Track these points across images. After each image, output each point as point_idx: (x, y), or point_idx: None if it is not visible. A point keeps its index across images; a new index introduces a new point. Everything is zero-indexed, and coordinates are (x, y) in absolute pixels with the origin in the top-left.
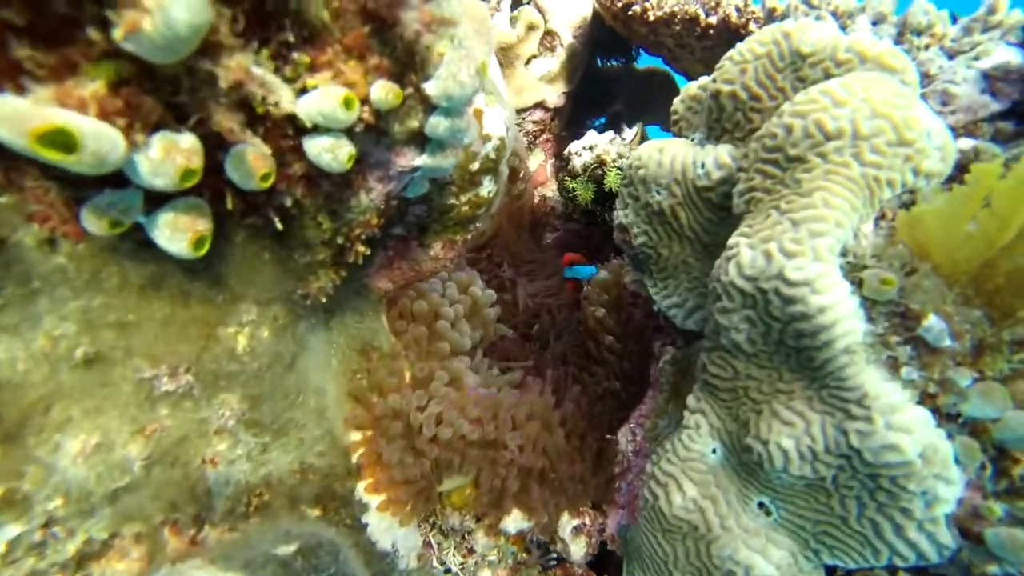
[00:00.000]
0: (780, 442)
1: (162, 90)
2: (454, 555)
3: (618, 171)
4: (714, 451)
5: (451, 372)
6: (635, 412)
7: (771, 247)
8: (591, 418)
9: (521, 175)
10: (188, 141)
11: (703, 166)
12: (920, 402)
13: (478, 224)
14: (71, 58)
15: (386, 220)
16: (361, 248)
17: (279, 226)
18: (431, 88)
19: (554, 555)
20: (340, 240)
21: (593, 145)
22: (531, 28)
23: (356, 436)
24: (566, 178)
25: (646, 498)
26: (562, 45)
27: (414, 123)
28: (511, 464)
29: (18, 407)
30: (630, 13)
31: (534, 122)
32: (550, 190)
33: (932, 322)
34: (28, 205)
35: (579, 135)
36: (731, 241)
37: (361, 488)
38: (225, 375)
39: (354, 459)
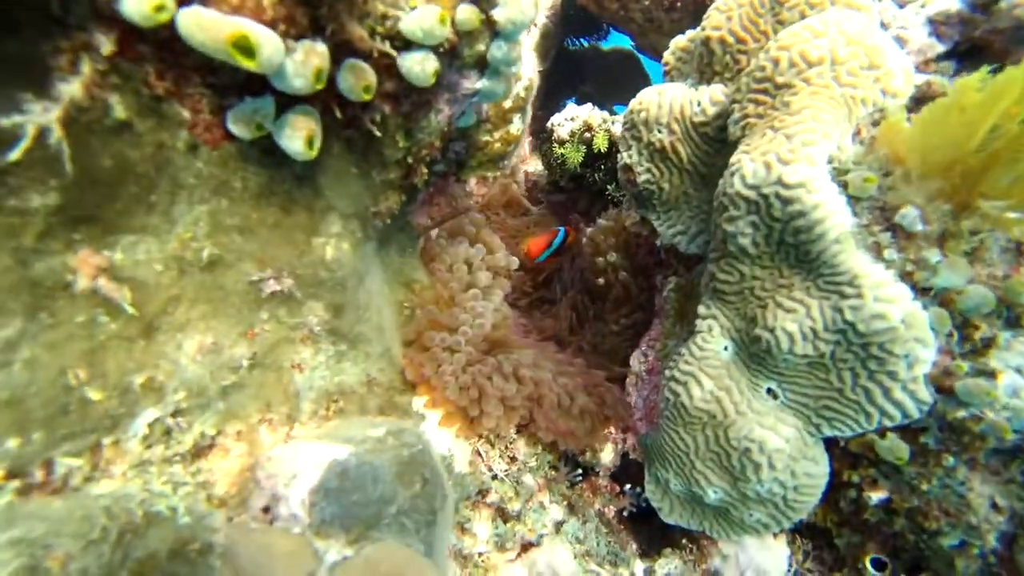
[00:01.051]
0: (785, 326)
1: (310, 3)
2: (499, 462)
3: (605, 133)
4: (726, 348)
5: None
6: (644, 338)
7: (769, 158)
8: (609, 353)
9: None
10: (321, 47)
11: (699, 104)
12: (900, 279)
13: (506, 161)
14: None
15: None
16: (424, 170)
17: (377, 132)
18: (499, 14)
19: (579, 472)
20: (410, 159)
21: (575, 116)
22: None
23: (407, 361)
24: (554, 146)
25: (667, 398)
26: (535, 25)
27: (481, 47)
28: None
29: (153, 305)
30: None
31: None
32: (531, 166)
33: (907, 210)
34: (183, 111)
35: (555, 112)
36: (733, 159)
37: (417, 401)
38: (316, 282)
39: (409, 377)
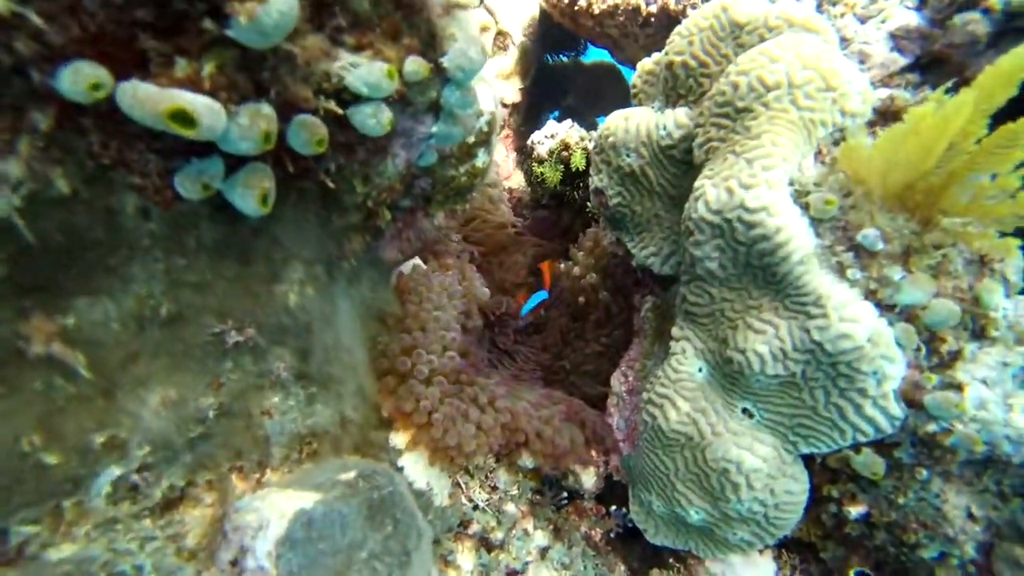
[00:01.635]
0: (755, 348)
1: (252, 68)
2: (480, 492)
3: (582, 151)
4: (700, 370)
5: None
6: (624, 358)
7: (731, 183)
8: (592, 373)
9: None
10: (267, 109)
11: (664, 128)
12: (864, 297)
13: (474, 194)
14: (185, 46)
15: (402, 190)
16: (386, 213)
17: (331, 184)
18: (448, 62)
19: (565, 495)
20: (369, 203)
21: (554, 133)
22: (483, 30)
23: (383, 393)
24: (533, 164)
25: (645, 421)
26: (514, 44)
27: (432, 94)
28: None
29: (111, 364)
30: (576, 8)
31: None
32: (515, 183)
33: (868, 231)
34: (131, 177)
35: (538, 128)
36: (696, 184)
37: (393, 437)
38: (280, 329)
39: (384, 412)
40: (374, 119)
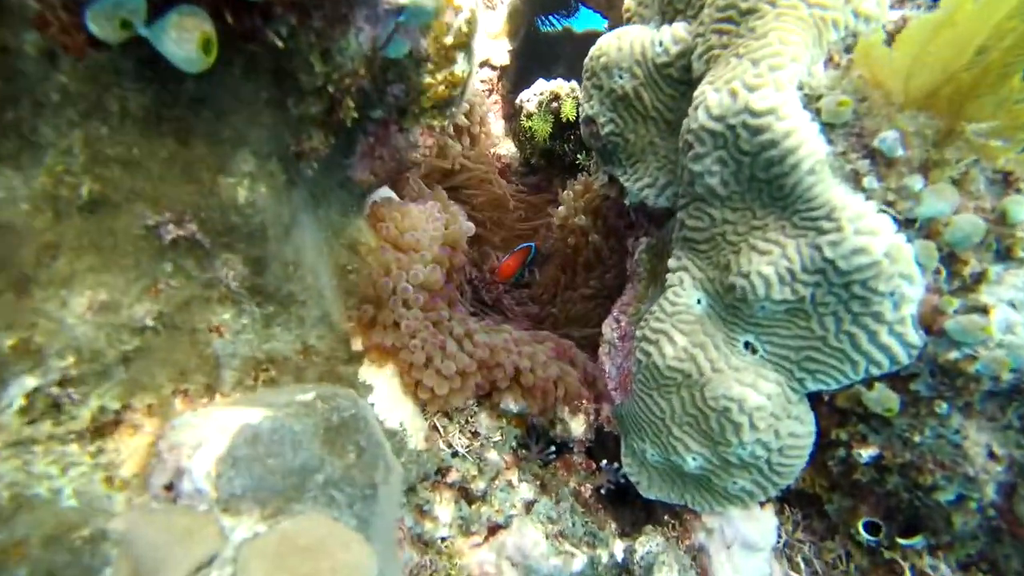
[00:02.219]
0: (760, 270)
1: None
2: (459, 437)
3: (573, 100)
4: (699, 301)
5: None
6: (616, 303)
7: (735, 85)
8: (581, 319)
9: (480, 124)
10: None
11: (660, 43)
12: (882, 209)
13: (454, 108)
14: None
15: (371, 82)
16: (350, 103)
17: (280, 43)
18: None
19: (552, 449)
20: (331, 89)
21: (544, 90)
22: None
23: (351, 323)
24: (522, 119)
25: (639, 360)
26: (503, 2)
27: None
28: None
29: (23, 254)
30: None
31: (482, 81)
32: (503, 149)
33: (886, 134)
34: (30, 5)
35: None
36: (696, 92)
37: (363, 372)
38: (229, 228)
39: (354, 347)
40: None
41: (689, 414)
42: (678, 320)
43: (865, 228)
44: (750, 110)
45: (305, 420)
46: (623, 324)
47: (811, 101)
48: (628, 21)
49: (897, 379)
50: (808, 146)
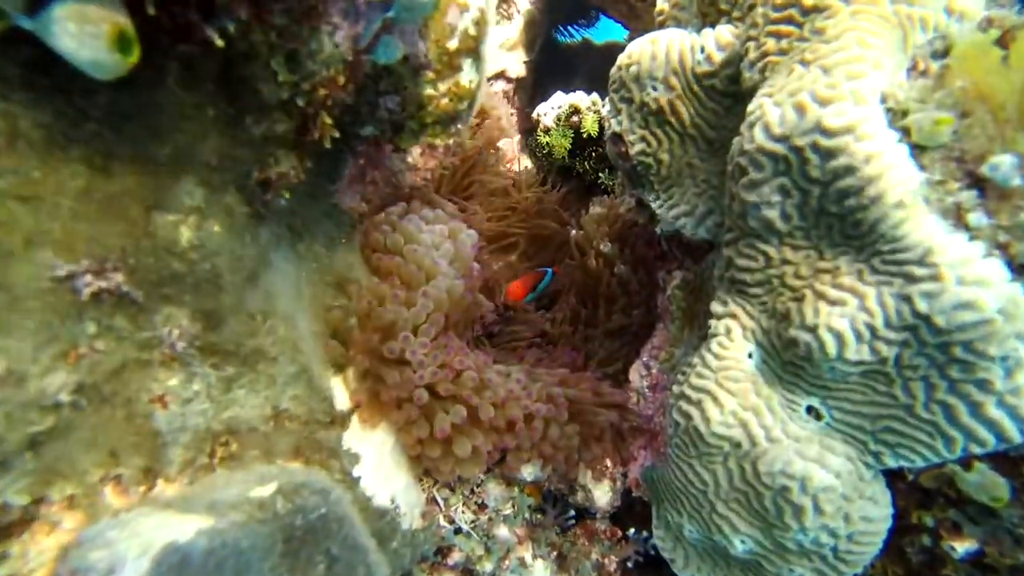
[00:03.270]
0: (831, 324)
1: None
2: (463, 511)
3: (595, 115)
4: (750, 355)
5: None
6: (645, 347)
7: (802, 98)
8: (604, 362)
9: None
10: None
11: (702, 50)
12: (992, 253)
13: (460, 125)
14: None
15: (355, 94)
16: (327, 121)
17: (219, 42)
18: None
19: (572, 514)
20: (301, 102)
21: (562, 103)
22: None
23: (337, 379)
24: (539, 134)
25: (676, 422)
26: (519, 12)
27: None
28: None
29: None
30: None
31: (494, 94)
32: (519, 165)
33: (1000, 158)
34: None
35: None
36: (751, 106)
37: (349, 438)
38: (168, 277)
39: (338, 405)
40: None
41: (738, 489)
42: (725, 377)
43: (971, 277)
44: (822, 128)
45: (258, 531)
46: (654, 372)
47: (896, 118)
48: (661, 26)
49: (1005, 459)
50: (896, 174)
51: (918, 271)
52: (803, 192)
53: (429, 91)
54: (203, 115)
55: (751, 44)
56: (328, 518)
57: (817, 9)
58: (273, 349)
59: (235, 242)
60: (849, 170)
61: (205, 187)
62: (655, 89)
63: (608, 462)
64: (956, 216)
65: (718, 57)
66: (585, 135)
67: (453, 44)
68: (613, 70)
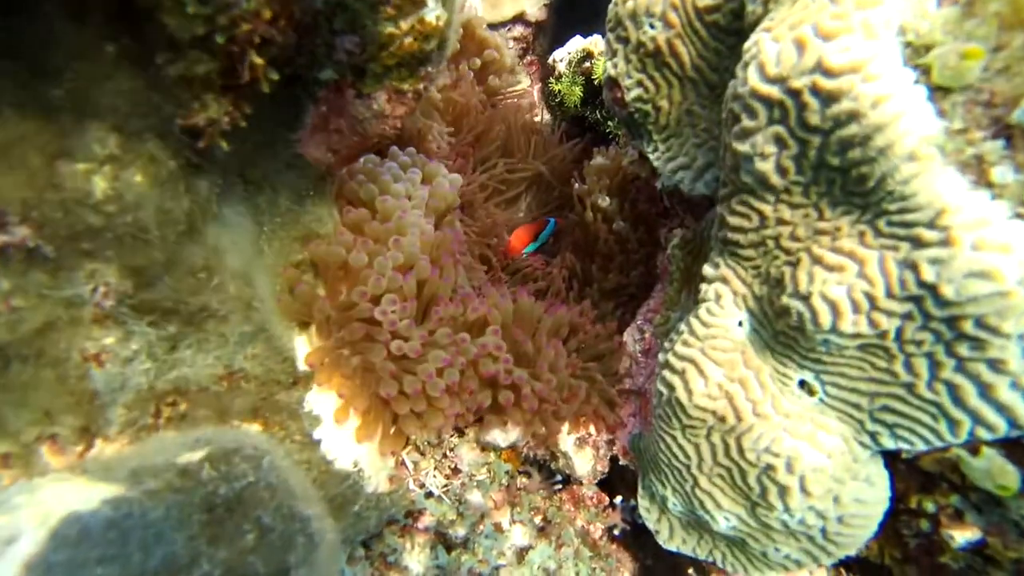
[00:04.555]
0: (826, 292)
1: None
2: (435, 475)
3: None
4: (740, 323)
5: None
6: (642, 308)
7: (803, 32)
8: (599, 318)
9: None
10: None
11: None
12: (1018, 215)
13: (430, 67)
14: None
15: (301, 33)
16: (258, 60)
17: None
18: None
19: (559, 478)
20: (221, 39)
21: (580, 48)
22: None
23: (301, 337)
24: (551, 82)
25: (660, 391)
26: None
27: None
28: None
29: None
30: None
31: (515, 39)
32: (538, 116)
33: None
34: None
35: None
36: (748, 43)
37: (311, 398)
38: (84, 232)
39: (301, 364)
40: None
41: (721, 465)
42: (712, 346)
43: (988, 241)
44: (824, 68)
45: (173, 500)
46: (647, 336)
47: (917, 54)
48: None
49: (1016, 446)
50: (908, 121)
51: (927, 234)
52: (801, 142)
53: (390, 29)
54: (102, 52)
55: None
56: (258, 486)
57: None
58: (223, 307)
59: (164, 194)
60: (853, 116)
61: (119, 133)
62: (652, 27)
63: (592, 428)
64: (978, 171)
65: None
66: (597, 82)
67: None
68: (610, 6)
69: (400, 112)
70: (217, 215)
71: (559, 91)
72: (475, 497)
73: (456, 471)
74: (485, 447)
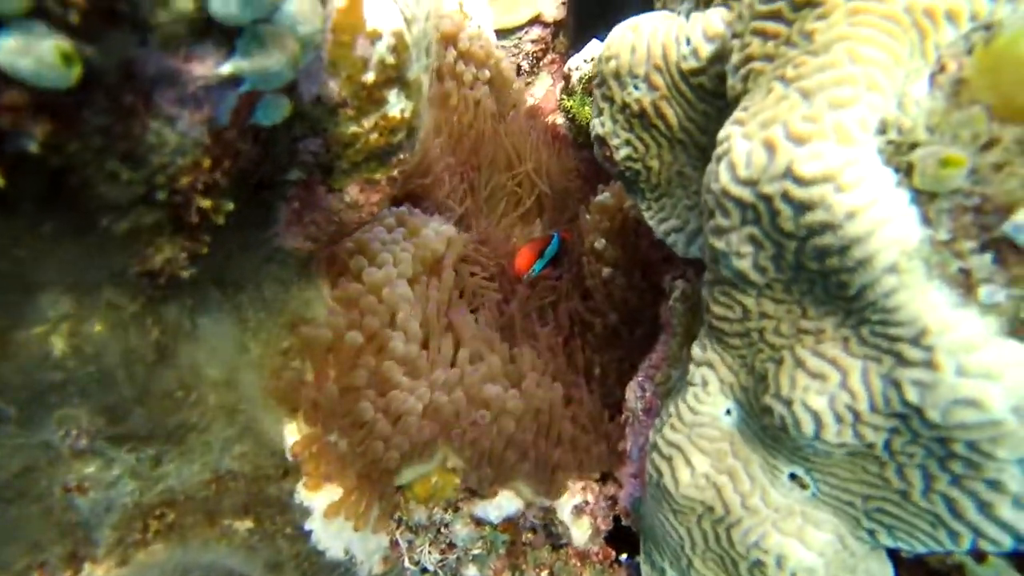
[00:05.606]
0: (808, 401)
1: None
2: (430, 552)
3: None
4: (728, 412)
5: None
6: (644, 362)
7: (773, 133)
8: (596, 367)
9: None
10: None
11: (688, 42)
12: (1010, 334)
13: (401, 155)
14: None
15: (261, 160)
16: (205, 203)
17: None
18: None
19: (563, 540)
20: (163, 196)
21: (594, 57)
22: None
23: (291, 426)
24: (562, 97)
25: (650, 473)
26: None
27: (184, 4)
28: (487, 434)
29: None
30: None
31: (533, 41)
32: (560, 116)
33: None
34: None
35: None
36: (721, 134)
37: (301, 488)
38: (47, 389)
39: (289, 455)
40: (29, 60)
41: (713, 551)
42: (698, 434)
43: (975, 367)
44: (795, 176)
45: None
46: (648, 395)
47: (899, 151)
48: (661, 6)
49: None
50: (888, 232)
51: (910, 353)
52: (777, 244)
53: (353, 128)
54: (36, 233)
55: (736, 42)
56: None
57: (810, 4)
58: (203, 419)
59: (127, 335)
60: (827, 226)
61: (71, 293)
62: (637, 88)
63: (589, 496)
64: (965, 286)
65: (706, 51)
66: None
67: (369, 77)
68: (595, 62)
69: (375, 199)
70: (192, 330)
71: (570, 108)
72: (471, 572)
73: (452, 546)
74: (479, 522)
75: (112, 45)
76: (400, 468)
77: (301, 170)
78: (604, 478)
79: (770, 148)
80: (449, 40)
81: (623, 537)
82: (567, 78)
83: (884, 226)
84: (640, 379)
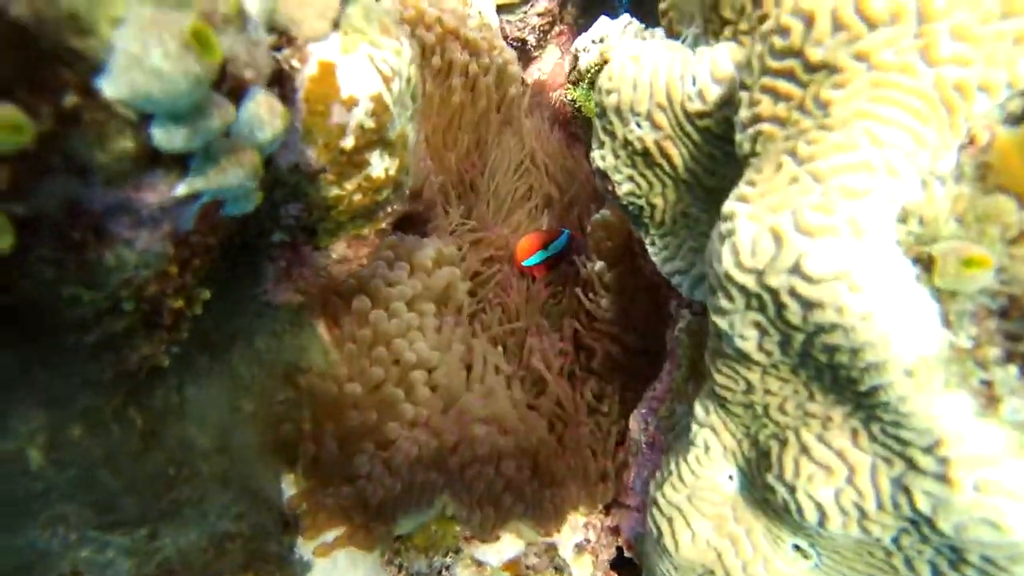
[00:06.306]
0: (812, 492)
1: None
2: None
3: None
4: (731, 477)
5: (405, 380)
6: (648, 392)
7: (781, 222)
8: (600, 396)
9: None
10: None
11: (694, 81)
12: None
13: (390, 208)
14: None
15: (242, 230)
16: (178, 304)
17: None
18: (110, 90)
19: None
20: (129, 307)
21: (603, 37)
22: None
23: (289, 477)
24: (569, 85)
25: (650, 529)
26: None
27: (124, 143)
28: (481, 477)
29: None
30: None
31: (539, 14)
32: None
33: None
34: None
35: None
36: (726, 208)
37: (301, 542)
38: (26, 497)
39: (287, 508)
40: None
41: None
42: (700, 498)
43: (994, 485)
44: (803, 273)
45: None
46: (651, 428)
47: (920, 241)
48: (663, 15)
49: None
50: (902, 337)
51: (924, 461)
52: (783, 334)
53: (336, 192)
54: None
55: (744, 95)
56: None
57: (826, 67)
58: (196, 491)
59: (108, 433)
60: (838, 327)
61: (44, 408)
62: (639, 126)
63: (591, 534)
64: (987, 398)
65: (713, 94)
66: None
67: (348, 143)
68: (595, 92)
69: (364, 252)
70: (180, 405)
71: (574, 99)
72: None
73: None
74: (481, 564)
75: (52, 190)
76: (397, 518)
77: (284, 233)
78: (607, 508)
79: (777, 239)
80: (451, 35)
81: (626, 563)
82: (575, 60)
83: (899, 330)
84: (643, 411)
